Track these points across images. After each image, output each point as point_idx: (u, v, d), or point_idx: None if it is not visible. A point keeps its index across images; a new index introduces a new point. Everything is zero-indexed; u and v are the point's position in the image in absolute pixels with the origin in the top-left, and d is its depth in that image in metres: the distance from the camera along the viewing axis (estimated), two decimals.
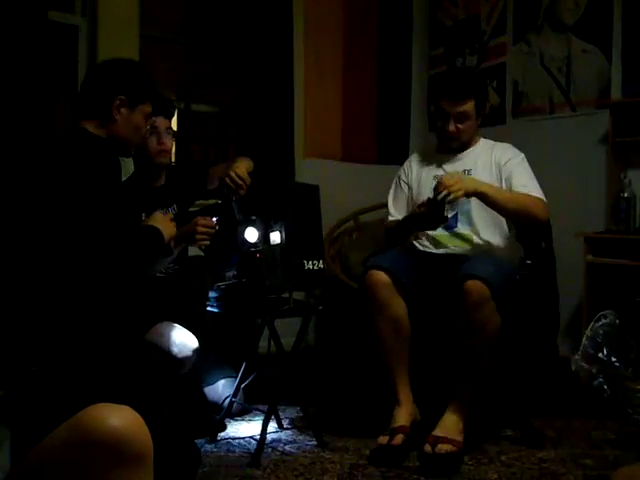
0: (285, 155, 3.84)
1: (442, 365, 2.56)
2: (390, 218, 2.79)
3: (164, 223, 2.16)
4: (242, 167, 2.54)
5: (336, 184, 3.83)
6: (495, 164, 2.68)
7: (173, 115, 2.77)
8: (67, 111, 3.15)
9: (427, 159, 2.81)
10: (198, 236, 2.39)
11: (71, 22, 3.30)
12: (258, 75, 3.72)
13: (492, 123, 3.75)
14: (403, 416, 2.48)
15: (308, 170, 3.88)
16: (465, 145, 2.72)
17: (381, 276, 2.48)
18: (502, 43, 4.01)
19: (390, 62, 4.26)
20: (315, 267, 2.51)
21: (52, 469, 1.08)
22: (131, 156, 2.41)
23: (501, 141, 2.80)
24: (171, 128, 2.68)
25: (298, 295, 2.74)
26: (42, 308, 1.98)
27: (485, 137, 2.79)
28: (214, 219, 2.44)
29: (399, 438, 2.42)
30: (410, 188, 2.79)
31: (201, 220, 2.40)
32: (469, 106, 2.62)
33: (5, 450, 1.27)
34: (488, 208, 2.57)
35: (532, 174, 2.67)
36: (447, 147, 2.74)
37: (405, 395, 2.52)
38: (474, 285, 2.33)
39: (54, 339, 1.98)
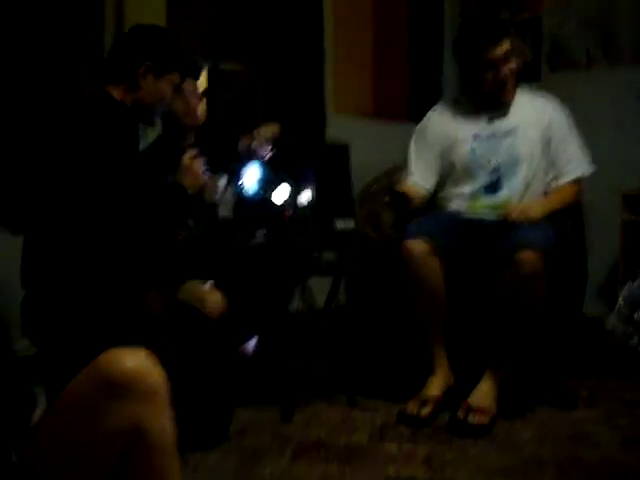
0: (315, 112, 3.79)
1: (480, 330, 2.51)
2: (410, 180, 2.65)
3: (188, 174, 2.16)
4: (267, 130, 2.52)
5: (368, 141, 3.76)
6: (540, 123, 2.57)
7: (201, 76, 2.74)
8: (93, 76, 3.12)
9: (460, 117, 2.65)
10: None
11: None
12: (287, 31, 3.67)
13: (527, 79, 3.65)
14: (436, 385, 2.46)
15: (339, 127, 3.81)
16: (505, 100, 2.58)
17: (420, 245, 2.40)
18: None
19: (422, 15, 4.16)
20: (346, 227, 2.50)
21: (74, 413, 1.13)
22: (154, 125, 2.40)
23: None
24: (199, 89, 2.66)
25: (329, 255, 2.73)
26: (70, 268, 2.00)
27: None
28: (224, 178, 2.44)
29: (428, 408, 2.40)
30: (436, 145, 2.64)
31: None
32: (508, 45, 2.49)
33: (42, 404, 1.30)
34: (530, 174, 2.52)
35: (576, 136, 2.59)
36: (491, 101, 2.58)
37: (441, 363, 2.48)
38: (527, 256, 2.25)
39: (83, 299, 2.01)
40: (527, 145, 2.56)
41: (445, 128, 2.64)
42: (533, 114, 2.59)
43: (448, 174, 2.63)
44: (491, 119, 2.60)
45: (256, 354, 2.78)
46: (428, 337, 2.49)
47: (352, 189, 2.62)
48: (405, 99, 4.11)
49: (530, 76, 3.80)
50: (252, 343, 2.88)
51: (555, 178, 2.59)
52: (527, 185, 2.56)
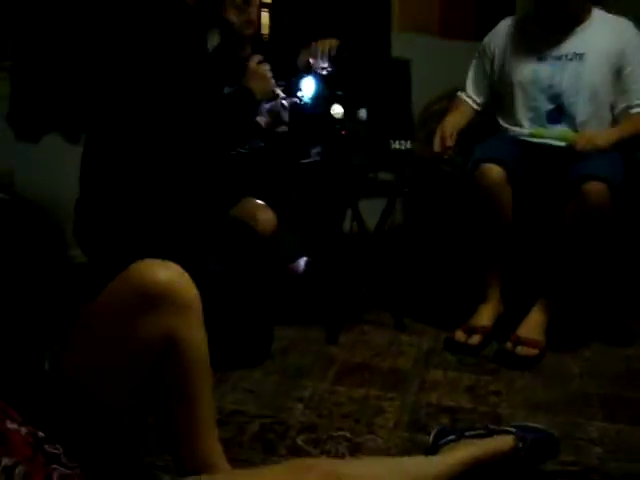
0: (380, 29, 3.65)
1: (535, 260, 2.45)
2: (465, 96, 2.62)
3: (256, 78, 2.14)
4: (326, 44, 2.43)
5: (432, 60, 3.62)
6: (613, 49, 2.39)
7: None
8: None
9: (526, 36, 2.52)
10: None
11: None
12: None
13: None
14: (487, 314, 2.41)
15: (403, 45, 3.67)
16: (575, 19, 2.43)
17: (495, 171, 2.30)
18: None
19: None
20: (403, 147, 2.43)
21: (106, 322, 1.13)
22: (214, 27, 2.35)
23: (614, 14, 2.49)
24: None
25: (385, 176, 2.67)
26: (127, 175, 2.00)
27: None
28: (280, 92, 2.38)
29: (477, 338, 2.36)
30: (497, 60, 2.56)
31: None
32: None
33: None
34: (597, 104, 2.40)
35: None
36: (562, 21, 2.43)
37: (494, 292, 2.43)
38: (594, 187, 2.16)
39: (136, 208, 2.00)
40: (595, 73, 2.40)
41: (509, 44, 2.54)
42: (606, 39, 2.41)
43: (508, 94, 2.52)
44: (559, 41, 2.45)
45: (306, 273, 2.78)
46: (486, 265, 2.43)
47: (411, 109, 2.51)
48: (472, 17, 3.90)
49: None
50: (302, 262, 2.88)
51: (627, 108, 2.43)
52: (593, 115, 2.42)
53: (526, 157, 2.38)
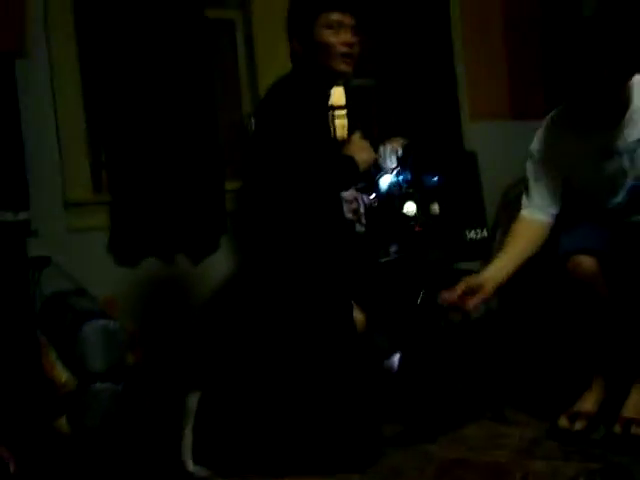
0: (451, 121, 3.73)
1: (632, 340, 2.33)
2: (527, 202, 2.34)
3: (360, 148, 2.22)
4: (392, 145, 2.52)
5: (507, 145, 3.65)
6: None
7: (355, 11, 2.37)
8: (229, 104, 3.27)
9: (576, 132, 2.28)
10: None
11: (227, 17, 3.39)
12: (415, 42, 3.64)
13: None
14: (591, 400, 2.32)
15: (476, 134, 3.73)
16: (619, 104, 2.20)
17: (588, 262, 2.21)
18: None
19: (556, 9, 3.96)
20: (478, 236, 2.44)
21: None
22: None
23: None
24: (355, 27, 2.31)
25: (472, 266, 2.66)
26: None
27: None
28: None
29: (582, 424, 2.27)
30: (554, 166, 2.32)
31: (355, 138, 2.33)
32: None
33: None
34: None
35: None
36: (612, 110, 2.22)
37: (597, 379, 2.34)
38: None
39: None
40: None
41: (563, 144, 2.32)
42: None
43: (582, 197, 2.38)
44: (614, 131, 2.23)
45: (400, 370, 2.77)
46: (587, 352, 2.36)
47: (483, 197, 2.53)
48: (542, 98, 3.92)
49: None
50: (396, 359, 2.88)
51: None
52: None
53: (616, 238, 2.26)
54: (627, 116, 2.21)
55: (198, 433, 2.13)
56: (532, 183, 2.35)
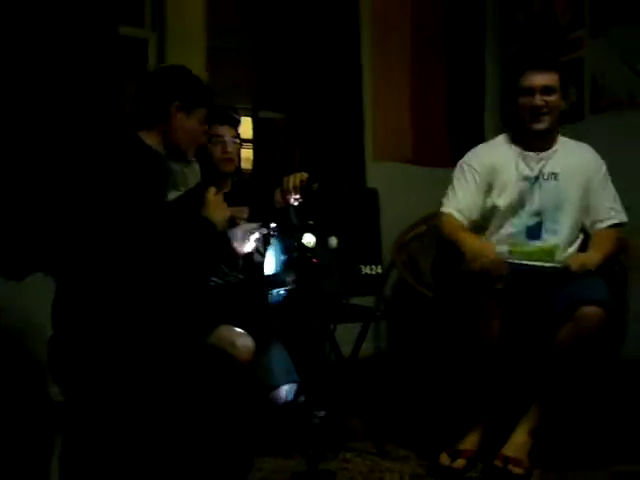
0: (354, 159, 3.80)
1: (518, 380, 2.44)
2: (457, 215, 2.57)
3: (214, 207, 2.18)
4: (295, 178, 2.53)
5: (407, 187, 3.77)
6: (582, 170, 2.57)
7: (238, 123, 2.78)
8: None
9: (506, 155, 2.61)
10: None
11: (141, 36, 3.37)
12: (325, 80, 3.70)
13: (571, 120, 3.59)
14: (473, 440, 2.39)
15: (378, 174, 3.82)
16: (547, 143, 2.59)
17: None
18: (579, 37, 3.83)
19: (461, 60, 4.15)
20: (373, 272, 2.48)
21: None
22: (188, 161, 2.44)
23: (579, 139, 2.70)
24: (237, 136, 2.72)
25: (364, 301, 2.70)
26: (98, 312, 2.03)
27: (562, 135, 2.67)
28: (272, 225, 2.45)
29: (461, 462, 2.33)
30: (482, 182, 2.59)
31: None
32: (551, 79, 2.53)
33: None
34: (574, 220, 2.52)
35: (611, 185, 2.59)
36: (535, 143, 2.58)
37: (479, 417, 2.42)
38: (591, 311, 2.20)
39: (109, 344, 2.03)
40: (571, 190, 2.55)
41: (491, 165, 2.61)
42: (575, 160, 2.59)
43: (491, 214, 2.61)
44: (535, 161, 2.58)
45: (289, 402, 2.76)
46: (471, 390, 2.43)
47: (380, 234, 2.59)
48: (446, 146, 4.07)
49: (574, 117, 3.74)
50: (284, 390, 2.87)
51: (593, 224, 2.57)
52: (571, 231, 2.54)
53: (513, 278, 2.36)
54: (548, 153, 2.58)
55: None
56: (459, 192, 2.60)
